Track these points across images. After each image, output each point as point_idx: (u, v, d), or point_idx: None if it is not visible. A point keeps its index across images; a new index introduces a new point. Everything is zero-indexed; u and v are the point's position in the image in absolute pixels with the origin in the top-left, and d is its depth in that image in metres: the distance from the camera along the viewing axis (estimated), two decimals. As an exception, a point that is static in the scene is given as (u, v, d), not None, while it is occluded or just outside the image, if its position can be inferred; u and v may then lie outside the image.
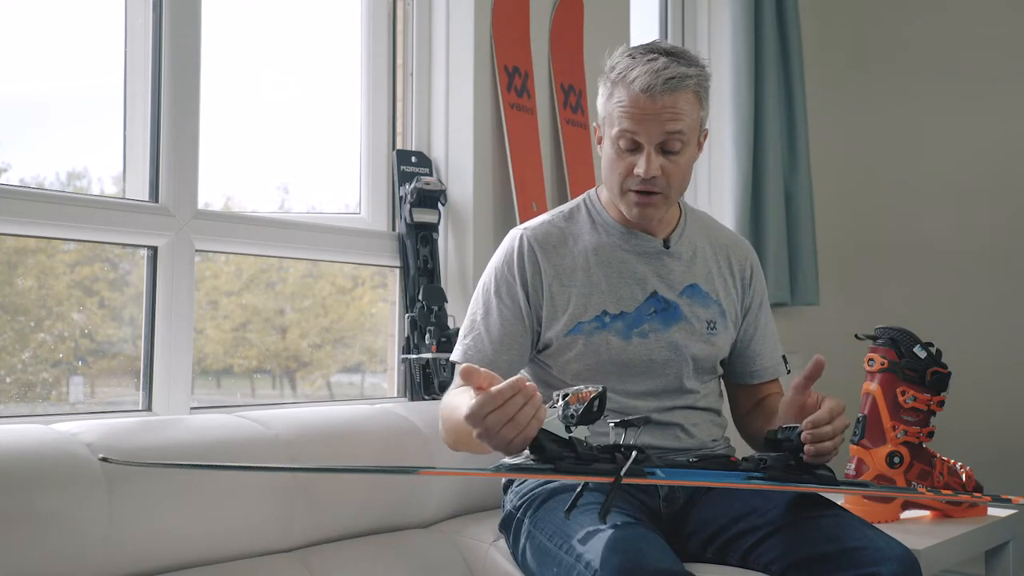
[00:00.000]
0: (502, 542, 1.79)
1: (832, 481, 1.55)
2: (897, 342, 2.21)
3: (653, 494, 1.72)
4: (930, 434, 2.22)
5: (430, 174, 2.40)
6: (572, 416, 1.34)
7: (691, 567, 1.53)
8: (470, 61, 2.40)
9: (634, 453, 1.39)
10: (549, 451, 1.36)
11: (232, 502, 1.60)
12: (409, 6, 2.48)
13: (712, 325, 1.80)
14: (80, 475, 1.44)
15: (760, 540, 1.61)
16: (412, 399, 2.30)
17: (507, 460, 1.36)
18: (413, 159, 2.40)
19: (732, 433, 1.94)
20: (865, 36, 3.74)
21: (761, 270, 1.95)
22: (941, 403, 2.21)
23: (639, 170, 1.67)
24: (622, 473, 1.36)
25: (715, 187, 3.41)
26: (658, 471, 1.43)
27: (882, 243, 3.65)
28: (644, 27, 3.34)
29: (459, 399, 1.54)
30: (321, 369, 2.46)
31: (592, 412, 1.34)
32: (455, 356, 1.77)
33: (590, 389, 1.35)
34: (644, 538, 1.45)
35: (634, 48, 1.71)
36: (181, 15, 1.98)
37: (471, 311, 1.79)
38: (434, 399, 2.26)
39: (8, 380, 1.85)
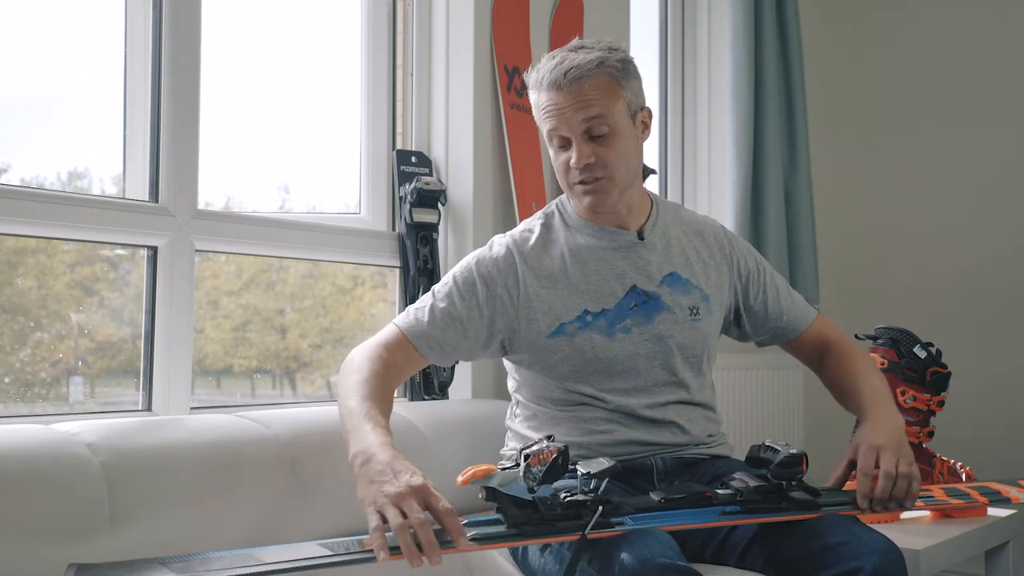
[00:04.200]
0: (502, 542, 1.79)
1: (809, 506, 1.55)
2: (897, 342, 2.21)
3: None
4: (930, 434, 2.22)
5: (430, 174, 2.40)
6: (535, 477, 1.34)
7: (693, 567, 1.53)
8: (470, 61, 2.40)
9: (599, 508, 1.38)
10: (512, 516, 1.35)
11: (231, 501, 1.60)
12: (409, 6, 2.48)
13: (695, 311, 1.81)
14: (80, 475, 1.44)
15: (752, 541, 1.62)
16: (412, 399, 2.30)
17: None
18: (413, 159, 2.40)
19: (730, 430, 1.94)
20: (865, 35, 3.74)
21: (740, 238, 1.98)
22: (941, 403, 2.21)
23: (572, 161, 1.73)
24: (587, 531, 1.36)
25: (715, 187, 3.41)
26: (627, 520, 1.44)
27: (882, 243, 3.65)
28: (644, 27, 3.34)
29: (354, 400, 1.52)
30: (321, 369, 2.46)
31: (556, 470, 1.34)
32: (398, 319, 1.76)
33: (551, 448, 1.34)
34: (651, 535, 1.45)
35: (549, 54, 1.77)
36: (181, 15, 1.98)
37: (428, 291, 1.81)
38: (434, 399, 2.26)
39: (7, 380, 1.85)
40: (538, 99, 1.76)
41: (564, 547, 1.52)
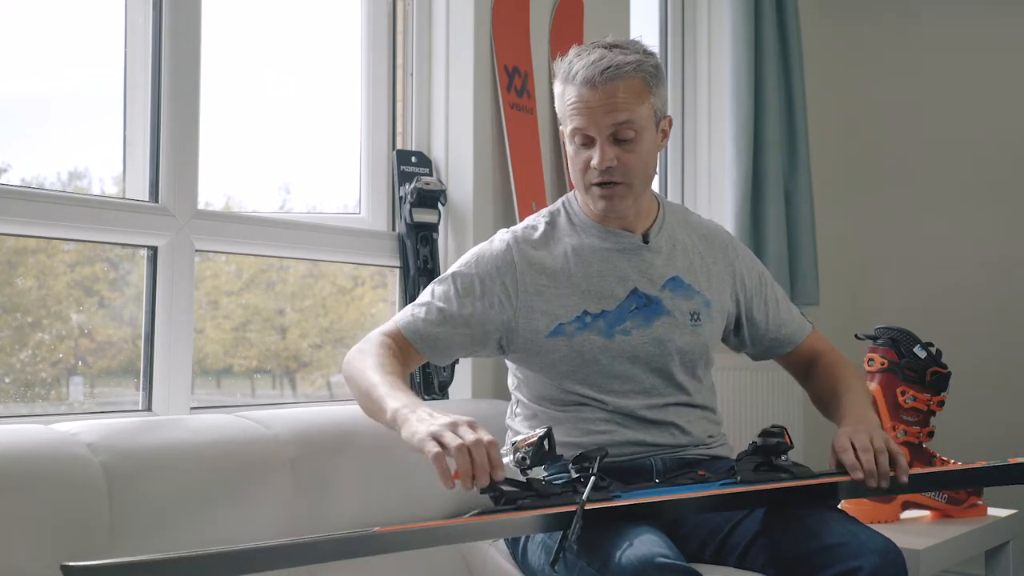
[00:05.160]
0: (502, 542, 1.79)
1: (806, 473, 1.56)
2: (897, 342, 2.21)
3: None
4: (930, 434, 2.22)
5: (430, 174, 2.40)
6: (524, 460, 1.39)
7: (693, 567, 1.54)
8: (470, 61, 2.40)
9: (593, 478, 1.41)
10: (508, 495, 1.40)
11: (231, 501, 1.60)
12: (409, 6, 2.48)
13: (696, 316, 1.80)
14: (80, 475, 1.44)
15: (752, 541, 1.62)
16: (412, 399, 2.30)
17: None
18: (413, 159, 2.40)
19: (730, 430, 1.94)
20: (865, 36, 3.74)
21: (743, 246, 1.98)
22: (941, 403, 2.21)
23: (594, 162, 1.70)
24: (584, 497, 1.38)
25: (715, 187, 3.41)
26: (622, 494, 1.46)
27: (882, 243, 3.65)
28: (644, 27, 3.34)
29: (377, 375, 1.60)
30: (321, 369, 2.46)
31: (543, 452, 1.39)
32: (397, 316, 1.78)
33: (536, 432, 1.40)
34: (650, 535, 1.45)
35: (580, 47, 1.75)
36: (181, 15, 1.98)
37: (428, 286, 1.81)
38: (434, 399, 2.26)
39: (8, 380, 1.85)
40: (564, 92, 1.72)
41: (562, 547, 1.52)
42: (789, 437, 1.57)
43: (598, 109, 1.68)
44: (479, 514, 1.38)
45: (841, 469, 1.58)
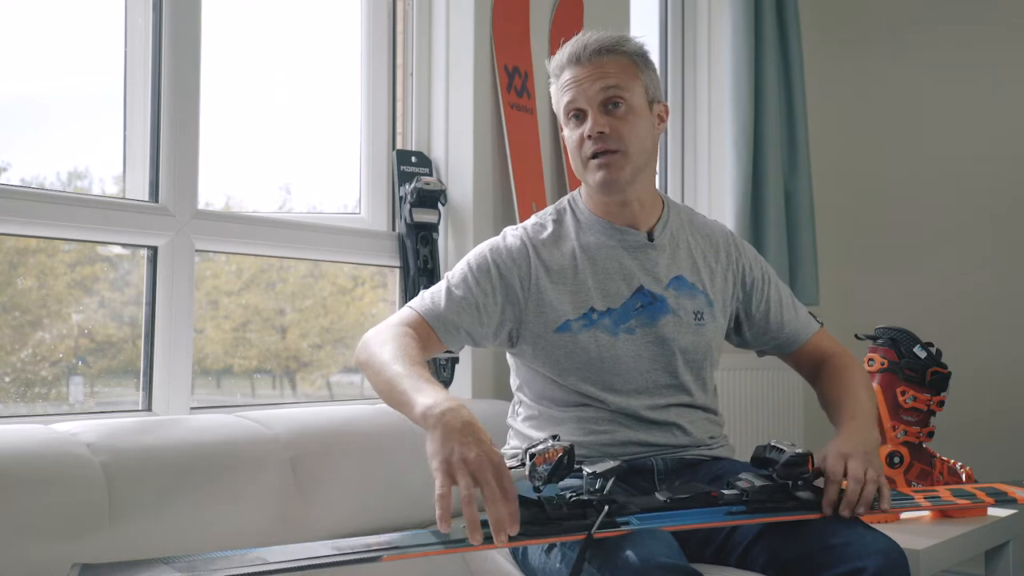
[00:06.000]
0: (502, 542, 1.79)
1: (815, 506, 1.54)
2: (897, 342, 2.21)
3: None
4: (930, 434, 2.22)
5: (430, 174, 2.40)
6: (541, 477, 1.33)
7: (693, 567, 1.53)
8: (470, 61, 2.40)
9: (605, 508, 1.38)
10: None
11: (231, 501, 1.60)
12: (409, 6, 2.49)
13: (699, 316, 1.81)
14: (80, 475, 1.44)
15: (753, 541, 1.61)
16: (412, 399, 2.29)
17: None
18: (413, 159, 2.40)
19: (730, 430, 1.93)
20: (866, 36, 3.74)
21: (748, 245, 1.97)
22: (941, 403, 2.21)
23: (587, 131, 1.73)
24: (593, 530, 1.35)
25: (715, 187, 3.41)
26: (632, 519, 1.43)
27: (882, 243, 3.65)
28: (644, 27, 3.34)
29: (401, 366, 1.50)
30: (321, 369, 2.46)
31: (562, 469, 1.33)
32: (413, 303, 1.75)
33: (557, 447, 1.34)
34: (651, 535, 1.45)
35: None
36: (181, 15, 1.98)
37: (442, 280, 1.79)
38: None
39: (8, 380, 1.85)
40: (558, 83, 1.77)
41: (566, 545, 1.52)
42: (813, 462, 1.54)
43: (585, 80, 1.72)
44: (486, 539, 1.31)
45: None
